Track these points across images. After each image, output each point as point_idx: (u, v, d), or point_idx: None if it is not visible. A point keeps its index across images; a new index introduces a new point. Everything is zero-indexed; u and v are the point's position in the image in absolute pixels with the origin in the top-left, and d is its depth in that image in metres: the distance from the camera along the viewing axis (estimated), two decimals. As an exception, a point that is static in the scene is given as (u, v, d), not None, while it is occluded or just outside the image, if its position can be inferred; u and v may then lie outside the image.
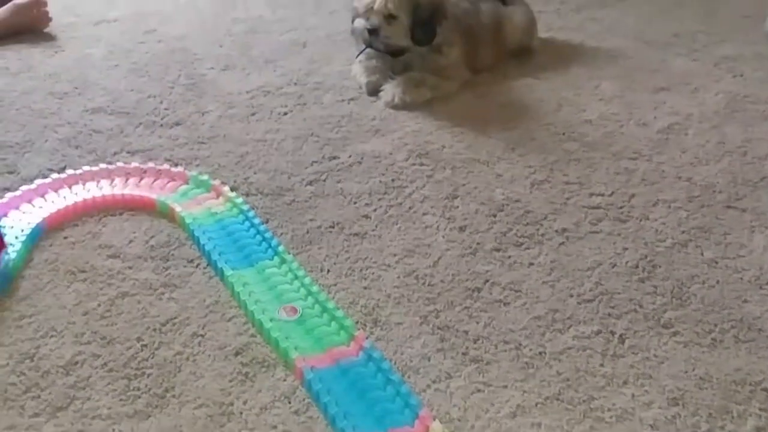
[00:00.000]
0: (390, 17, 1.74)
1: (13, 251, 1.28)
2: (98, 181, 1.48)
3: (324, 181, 1.53)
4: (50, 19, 2.12)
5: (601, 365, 1.13)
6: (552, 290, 1.27)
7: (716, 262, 1.33)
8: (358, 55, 1.87)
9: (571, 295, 1.26)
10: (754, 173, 1.56)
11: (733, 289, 1.28)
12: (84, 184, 1.47)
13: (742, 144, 1.66)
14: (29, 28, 2.07)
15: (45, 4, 2.10)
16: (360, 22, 1.77)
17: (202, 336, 1.17)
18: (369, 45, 1.81)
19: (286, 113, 1.75)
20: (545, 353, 1.15)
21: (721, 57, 2.01)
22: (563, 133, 1.67)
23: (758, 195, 1.50)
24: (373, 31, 1.76)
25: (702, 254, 1.35)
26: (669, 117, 1.75)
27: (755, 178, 1.55)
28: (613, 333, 1.19)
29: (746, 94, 1.84)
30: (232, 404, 1.06)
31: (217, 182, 1.47)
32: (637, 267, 1.32)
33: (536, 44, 2.01)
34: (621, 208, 1.46)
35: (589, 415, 1.05)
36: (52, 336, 1.16)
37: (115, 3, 2.25)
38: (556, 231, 1.40)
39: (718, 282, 1.29)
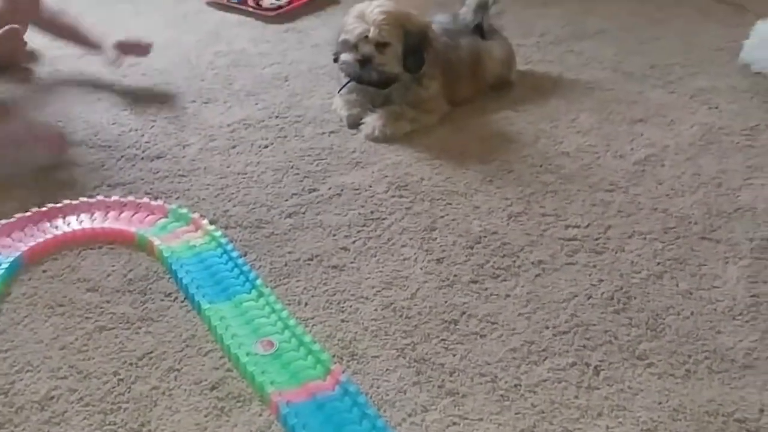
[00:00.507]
0: (382, 45, 1.77)
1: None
2: (78, 215, 1.48)
3: (303, 213, 1.54)
4: (27, 51, 2.11)
5: (576, 397, 1.14)
6: (528, 322, 1.28)
7: (691, 293, 1.35)
8: (341, 89, 1.89)
9: (547, 327, 1.27)
10: (728, 204, 1.58)
11: (707, 320, 1.29)
12: (64, 218, 1.47)
13: (716, 175, 1.68)
14: (6, 61, 2.06)
15: (20, 36, 2.08)
16: (348, 56, 1.79)
17: (179, 370, 1.18)
18: (358, 78, 1.82)
19: (266, 146, 1.76)
20: (521, 385, 1.16)
21: (696, 89, 2.04)
22: (540, 165, 1.69)
23: (732, 226, 1.52)
24: (365, 61, 1.78)
25: (677, 285, 1.37)
26: (645, 149, 1.77)
27: (729, 209, 1.57)
28: (588, 365, 1.20)
29: (721, 126, 1.87)
30: (207, 439, 1.07)
31: (196, 215, 1.48)
32: (612, 298, 1.33)
33: (515, 77, 2.03)
34: (597, 239, 1.47)
35: (564, 448, 1.06)
36: (27, 371, 1.16)
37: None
38: (533, 263, 1.41)
39: (692, 313, 1.31)
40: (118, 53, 1.96)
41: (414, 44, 1.78)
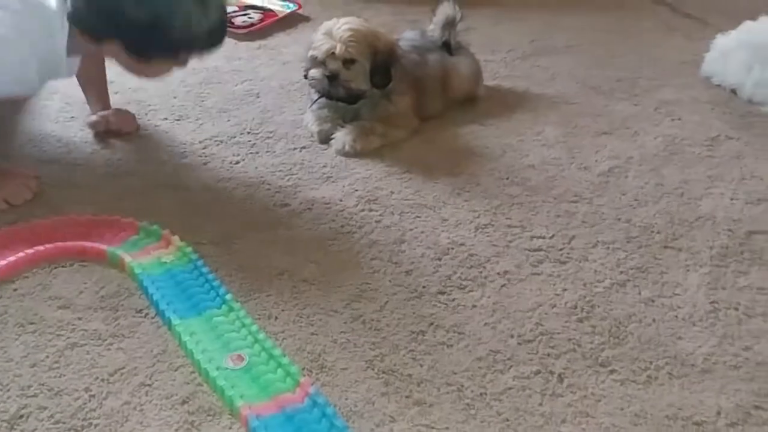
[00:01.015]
0: (349, 62, 1.80)
1: (-40, 305, 1.29)
2: (49, 233, 1.49)
3: (274, 228, 1.56)
4: None
5: (540, 404, 1.17)
6: (494, 331, 1.31)
7: (653, 301, 1.39)
8: (312, 104, 1.92)
9: (512, 336, 1.30)
10: (690, 213, 1.63)
11: (668, 327, 1.33)
12: (35, 236, 1.48)
13: (679, 185, 1.73)
14: None
15: None
16: (317, 72, 1.82)
17: (150, 386, 1.19)
18: (327, 94, 1.86)
19: (238, 162, 1.78)
20: (486, 394, 1.18)
21: (660, 101, 2.10)
22: (507, 178, 1.73)
23: (693, 235, 1.56)
24: (333, 77, 1.81)
25: (639, 293, 1.40)
26: (610, 160, 1.81)
27: (691, 218, 1.61)
28: (552, 372, 1.23)
29: (684, 137, 1.92)
30: (177, 453, 1.08)
31: (167, 232, 1.50)
32: (576, 307, 1.36)
33: (482, 92, 2.07)
34: (561, 249, 1.51)
35: (528, 454, 1.09)
36: (-3, 390, 1.17)
37: (71, 55, 2.29)
38: (498, 273, 1.44)
39: (654, 320, 1.34)
40: (105, 123, 1.86)
41: (381, 61, 1.82)
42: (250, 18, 2.52)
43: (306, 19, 2.58)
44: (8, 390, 1.17)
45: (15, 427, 1.11)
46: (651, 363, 1.25)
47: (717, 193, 1.70)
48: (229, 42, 2.40)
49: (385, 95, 1.87)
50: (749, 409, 1.16)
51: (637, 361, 1.25)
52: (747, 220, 1.60)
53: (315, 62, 1.82)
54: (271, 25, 2.52)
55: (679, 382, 1.22)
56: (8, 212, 1.57)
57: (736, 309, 1.37)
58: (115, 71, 2.19)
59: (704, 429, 1.13)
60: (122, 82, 2.13)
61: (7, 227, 1.50)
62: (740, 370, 1.24)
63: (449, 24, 2.02)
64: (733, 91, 2.12)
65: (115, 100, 2.04)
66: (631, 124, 1.98)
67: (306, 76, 1.88)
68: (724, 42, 2.20)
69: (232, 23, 2.49)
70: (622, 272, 1.45)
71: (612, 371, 1.23)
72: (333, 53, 1.79)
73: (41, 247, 1.45)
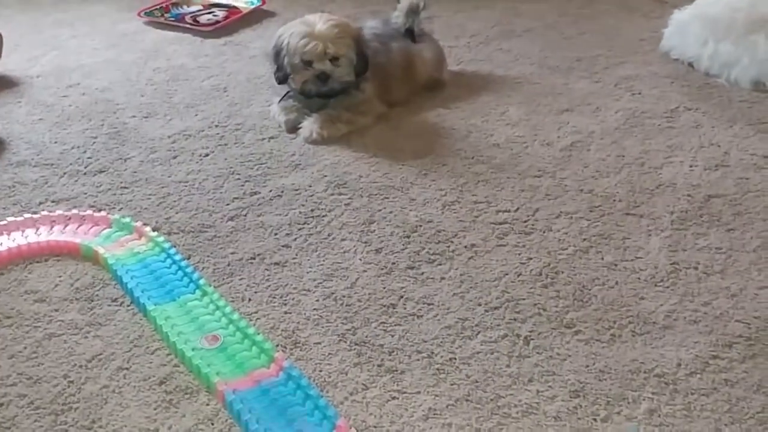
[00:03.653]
0: (334, 58, 1.83)
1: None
2: (23, 230, 1.51)
3: (245, 215, 1.59)
4: None
5: (508, 366, 1.21)
6: (462, 301, 1.34)
7: (615, 265, 1.43)
8: (281, 99, 1.94)
9: (480, 304, 1.33)
10: (650, 182, 1.67)
11: (631, 288, 1.37)
12: (8, 234, 1.50)
13: (639, 156, 1.77)
14: None
15: None
16: (305, 75, 1.84)
17: (127, 369, 1.22)
18: (317, 93, 1.88)
19: (207, 154, 1.81)
20: (455, 359, 1.22)
21: (620, 77, 2.14)
22: (472, 157, 1.77)
23: (654, 201, 1.61)
24: (325, 78, 1.84)
25: (602, 258, 1.45)
26: (572, 135, 1.86)
27: (652, 186, 1.66)
28: (518, 336, 1.27)
29: (644, 110, 1.96)
30: (157, 430, 1.11)
31: (139, 224, 1.52)
32: (540, 274, 1.40)
33: (446, 77, 2.11)
34: (526, 221, 1.55)
35: (497, 413, 1.13)
36: (-24, 381, 1.19)
37: (37, 60, 2.30)
38: (466, 247, 1.48)
39: (617, 283, 1.38)
40: None
41: (360, 49, 1.86)
42: (215, 16, 2.54)
43: (271, 14, 2.61)
44: (-13, 380, 1.19)
45: (-5, 414, 1.13)
46: (614, 322, 1.29)
47: (677, 161, 1.74)
48: (194, 40, 2.44)
49: (353, 83, 1.90)
50: (707, 359, 1.21)
51: (601, 321, 1.30)
52: (705, 185, 1.65)
53: (300, 66, 1.84)
54: (236, 21, 2.54)
55: (642, 338, 1.26)
56: (-19, 213, 1.58)
57: (696, 268, 1.41)
58: (80, 74, 2.22)
59: (665, 380, 1.17)
60: (89, 84, 2.15)
61: (-21, 227, 1.51)
62: (699, 324, 1.28)
63: (413, 11, 2.05)
64: (691, 65, 2.17)
65: (82, 101, 2.06)
66: (592, 100, 2.03)
67: (281, 82, 1.90)
68: (681, 17, 2.25)
69: (197, 21, 2.51)
70: (585, 239, 1.49)
71: (577, 332, 1.27)
72: (326, 53, 1.82)
73: (14, 245, 1.47)
